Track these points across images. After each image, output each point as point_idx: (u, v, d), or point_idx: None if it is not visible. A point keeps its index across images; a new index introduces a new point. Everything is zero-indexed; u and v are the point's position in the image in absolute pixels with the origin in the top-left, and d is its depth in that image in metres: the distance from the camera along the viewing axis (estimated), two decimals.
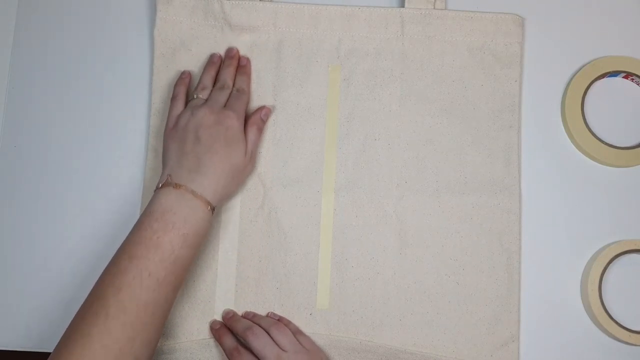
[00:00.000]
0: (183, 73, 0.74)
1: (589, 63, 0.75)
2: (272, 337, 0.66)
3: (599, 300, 0.70)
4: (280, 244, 0.72)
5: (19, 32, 0.78)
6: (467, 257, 0.71)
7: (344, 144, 0.73)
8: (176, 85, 0.73)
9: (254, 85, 0.74)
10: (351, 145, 0.73)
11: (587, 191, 0.74)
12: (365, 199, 0.72)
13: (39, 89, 0.77)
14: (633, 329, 0.71)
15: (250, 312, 0.71)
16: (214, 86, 0.72)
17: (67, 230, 0.74)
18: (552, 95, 0.76)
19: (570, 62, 0.76)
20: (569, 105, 0.74)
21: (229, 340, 0.68)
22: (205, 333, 0.70)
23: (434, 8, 0.74)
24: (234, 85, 0.72)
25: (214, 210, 0.65)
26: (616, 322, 0.70)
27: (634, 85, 0.76)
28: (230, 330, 0.69)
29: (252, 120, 0.71)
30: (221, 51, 0.74)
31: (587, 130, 0.74)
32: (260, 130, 0.71)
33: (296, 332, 0.69)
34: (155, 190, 0.65)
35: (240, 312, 0.71)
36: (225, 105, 0.69)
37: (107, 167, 0.75)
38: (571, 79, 0.75)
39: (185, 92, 0.72)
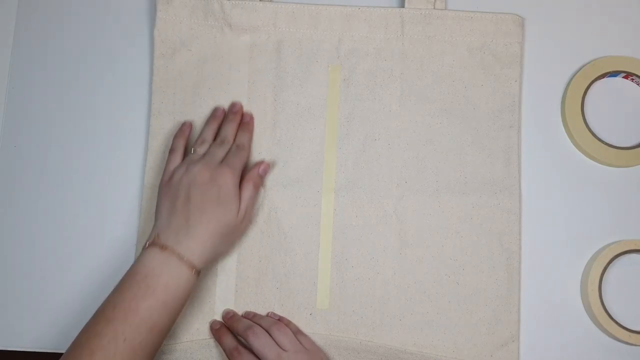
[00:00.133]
0: (184, 124, 0.72)
1: (589, 63, 0.75)
2: (272, 337, 0.66)
3: (599, 300, 0.70)
4: (280, 244, 0.72)
5: (19, 32, 0.78)
6: (467, 257, 0.71)
7: (344, 144, 0.73)
8: (175, 137, 0.71)
9: (254, 86, 0.74)
10: (351, 145, 0.73)
11: (587, 191, 0.74)
12: (365, 199, 0.72)
13: (39, 89, 0.77)
14: (633, 329, 0.71)
15: (250, 312, 0.71)
16: (214, 140, 0.71)
17: (67, 230, 0.74)
18: (552, 95, 0.76)
19: (570, 62, 0.76)
20: (569, 105, 0.74)
21: (229, 340, 0.68)
22: (205, 333, 0.70)
23: (434, 8, 0.74)
24: (234, 141, 0.71)
25: (200, 273, 0.64)
26: (616, 322, 0.70)
27: (634, 85, 0.76)
28: (230, 330, 0.69)
29: (249, 177, 0.69)
30: (221, 51, 0.74)
31: (587, 130, 0.74)
32: (257, 187, 0.70)
33: (296, 332, 0.69)
34: (143, 248, 0.64)
35: (240, 312, 0.71)
36: (222, 161, 0.68)
37: (107, 167, 0.75)
38: (571, 79, 0.75)
39: (184, 144, 0.71)
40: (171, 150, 0.70)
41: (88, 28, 0.78)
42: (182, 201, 0.65)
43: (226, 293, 0.71)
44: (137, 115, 0.76)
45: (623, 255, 0.72)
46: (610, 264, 0.71)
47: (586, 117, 0.74)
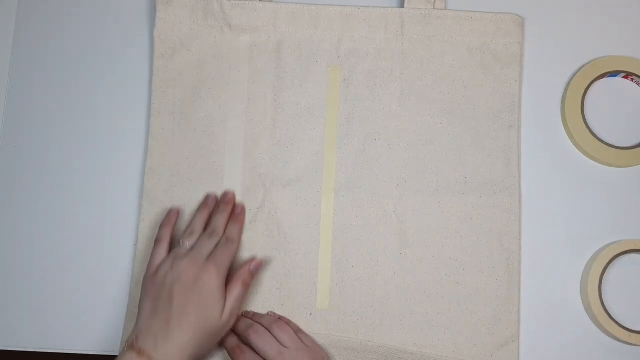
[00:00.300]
0: (170, 212, 0.71)
1: (589, 63, 0.75)
2: (273, 335, 0.66)
3: (599, 300, 0.70)
4: (280, 244, 0.72)
5: (19, 32, 0.78)
6: (467, 257, 0.71)
7: (344, 144, 0.73)
8: (162, 225, 0.69)
9: (254, 86, 0.74)
10: (351, 145, 0.73)
11: (587, 191, 0.74)
12: (365, 199, 0.72)
13: (39, 89, 0.77)
14: (633, 329, 0.71)
15: (250, 311, 0.71)
16: (205, 230, 0.69)
17: (67, 230, 0.74)
18: (552, 95, 0.76)
19: (570, 62, 0.76)
20: (569, 105, 0.74)
21: (231, 339, 0.68)
22: None
23: (434, 8, 0.74)
24: (224, 233, 0.69)
25: None
26: (616, 322, 0.70)
27: (634, 85, 0.76)
28: (232, 329, 0.69)
29: (239, 274, 0.67)
30: (221, 51, 0.74)
31: (587, 130, 0.74)
32: (247, 286, 0.67)
33: (297, 331, 0.69)
34: (122, 347, 0.62)
35: (240, 312, 0.71)
36: (210, 256, 0.66)
37: (106, 167, 0.75)
38: (571, 79, 0.75)
39: (170, 234, 0.69)
40: (157, 241, 0.68)
41: (88, 28, 0.78)
42: (164, 302, 0.62)
43: None
44: (137, 115, 0.76)
45: (623, 255, 0.72)
46: (610, 264, 0.71)
47: (586, 117, 0.74)
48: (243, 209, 0.72)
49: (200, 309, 0.63)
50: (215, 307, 0.64)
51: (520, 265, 0.72)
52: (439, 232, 0.72)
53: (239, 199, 0.73)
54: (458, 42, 0.74)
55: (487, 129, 0.73)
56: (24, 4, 0.78)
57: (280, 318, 0.70)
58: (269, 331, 0.67)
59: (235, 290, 0.66)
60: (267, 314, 0.71)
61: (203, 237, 0.68)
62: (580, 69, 0.75)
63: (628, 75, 0.75)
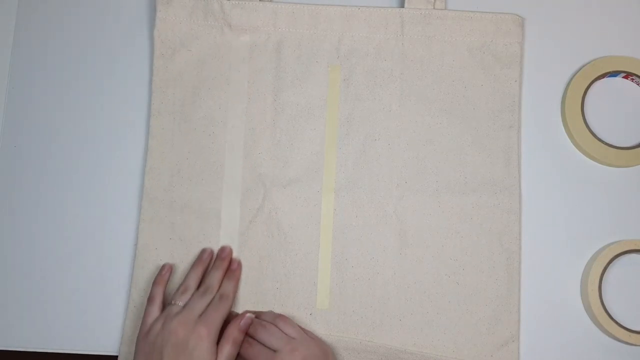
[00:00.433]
0: (163, 269, 0.70)
1: (589, 63, 0.75)
2: (279, 328, 0.67)
3: (599, 300, 0.70)
4: (280, 244, 0.72)
5: (19, 32, 0.78)
6: (467, 257, 0.71)
7: (344, 144, 0.73)
8: (154, 283, 0.69)
9: (254, 86, 0.74)
10: (351, 145, 0.73)
11: (587, 191, 0.74)
12: (365, 199, 0.72)
13: (39, 89, 0.77)
14: (633, 329, 0.71)
15: (249, 311, 0.70)
16: (199, 286, 0.68)
17: (67, 230, 0.74)
18: (552, 95, 0.76)
19: (570, 62, 0.76)
20: (569, 105, 0.74)
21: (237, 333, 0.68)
22: None
23: (434, 8, 0.74)
24: (218, 289, 0.68)
25: None
26: (616, 322, 0.70)
27: (634, 85, 0.76)
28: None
29: (228, 334, 0.65)
30: (221, 51, 0.74)
31: (587, 130, 0.74)
32: (237, 343, 0.65)
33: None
34: None
35: (240, 312, 0.71)
36: (202, 315, 0.65)
37: (106, 167, 0.75)
38: (571, 79, 0.75)
39: (163, 292, 0.68)
40: (149, 300, 0.68)
41: (88, 28, 0.78)
42: None
43: None
44: (137, 115, 0.76)
45: (623, 255, 0.72)
46: (610, 264, 0.71)
47: (586, 117, 0.74)
48: (239, 265, 0.71)
49: None
50: None
51: (520, 265, 0.72)
52: (439, 232, 0.72)
53: (239, 199, 0.73)
54: (458, 42, 0.74)
55: (487, 129, 0.73)
56: (24, 4, 0.78)
57: (282, 315, 0.70)
58: (274, 325, 0.67)
59: (226, 349, 0.64)
60: None
61: (196, 294, 0.67)
62: (580, 69, 0.75)
63: (628, 75, 0.75)
